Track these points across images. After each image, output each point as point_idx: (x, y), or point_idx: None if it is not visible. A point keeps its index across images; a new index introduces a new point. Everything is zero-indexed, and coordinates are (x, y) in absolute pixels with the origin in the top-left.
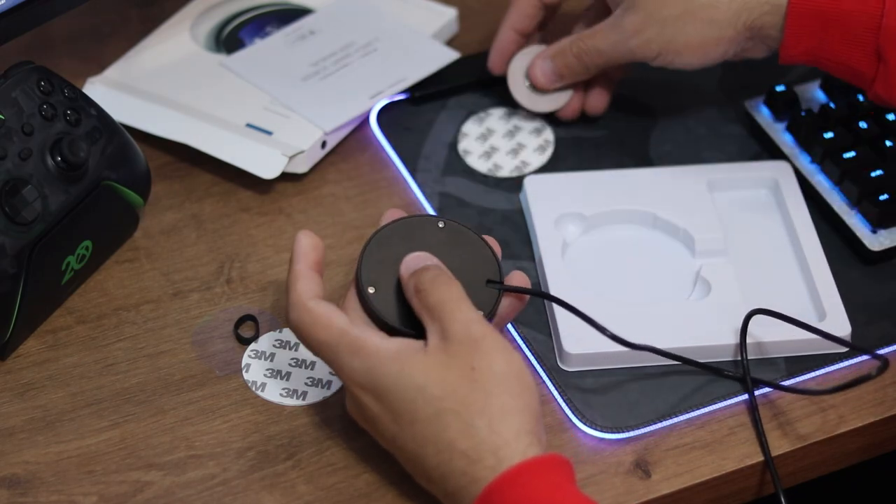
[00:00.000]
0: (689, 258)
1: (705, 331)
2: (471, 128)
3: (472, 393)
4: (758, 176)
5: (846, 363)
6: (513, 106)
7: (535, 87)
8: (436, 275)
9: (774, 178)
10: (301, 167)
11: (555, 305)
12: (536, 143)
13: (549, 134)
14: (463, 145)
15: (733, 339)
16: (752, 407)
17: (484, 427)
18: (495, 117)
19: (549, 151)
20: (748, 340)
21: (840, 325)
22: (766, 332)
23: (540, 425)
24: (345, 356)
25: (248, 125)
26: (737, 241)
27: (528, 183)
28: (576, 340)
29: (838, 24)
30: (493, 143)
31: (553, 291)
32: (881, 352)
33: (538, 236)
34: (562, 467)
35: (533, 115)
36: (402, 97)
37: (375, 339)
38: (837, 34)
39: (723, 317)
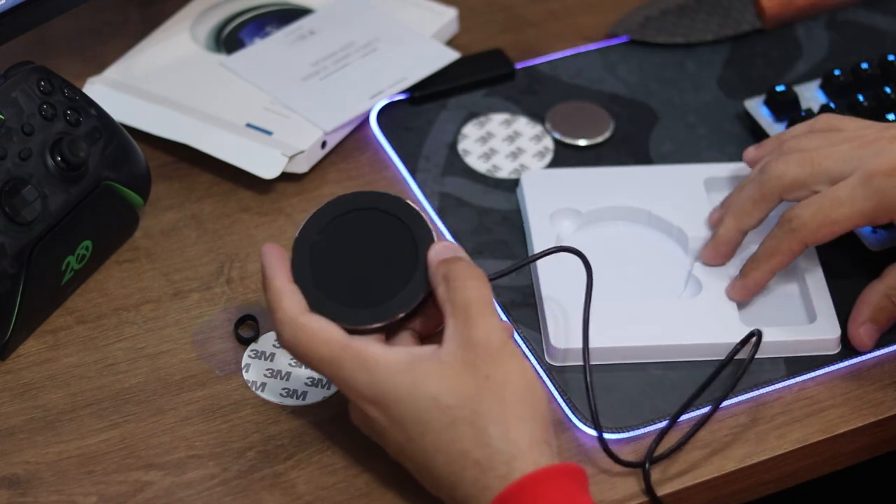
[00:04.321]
0: (683, 256)
1: (696, 329)
2: (471, 130)
3: (487, 402)
4: None
5: (844, 363)
6: (512, 111)
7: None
8: (468, 268)
9: None
10: (301, 167)
11: (545, 301)
12: (535, 150)
13: (548, 141)
14: (463, 146)
15: (723, 338)
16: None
17: (499, 436)
18: (496, 122)
19: (549, 158)
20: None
21: (830, 327)
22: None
23: (551, 433)
24: (349, 370)
25: (248, 125)
26: None
27: (525, 177)
28: (563, 336)
29: None
30: (493, 145)
31: (545, 287)
32: (880, 352)
33: (532, 231)
34: (574, 475)
35: (533, 121)
36: (402, 97)
37: (380, 350)
38: None
39: (713, 315)
